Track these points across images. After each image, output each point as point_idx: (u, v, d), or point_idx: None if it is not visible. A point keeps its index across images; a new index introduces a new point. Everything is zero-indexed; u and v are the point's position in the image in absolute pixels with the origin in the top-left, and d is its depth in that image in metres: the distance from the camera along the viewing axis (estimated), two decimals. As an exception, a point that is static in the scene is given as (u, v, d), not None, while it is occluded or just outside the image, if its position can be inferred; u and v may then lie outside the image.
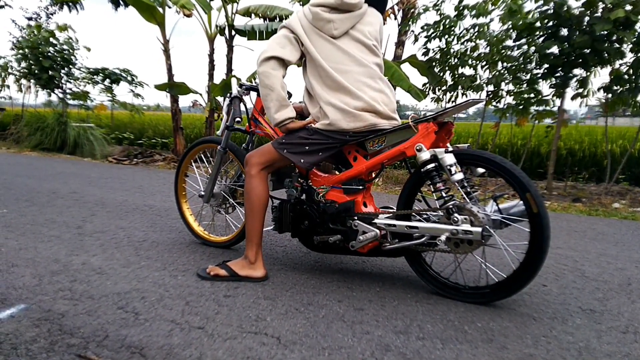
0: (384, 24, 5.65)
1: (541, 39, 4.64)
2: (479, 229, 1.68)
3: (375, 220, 1.89)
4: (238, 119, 2.21)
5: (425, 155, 1.78)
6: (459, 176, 1.75)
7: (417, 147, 1.79)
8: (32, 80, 8.34)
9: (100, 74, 8.22)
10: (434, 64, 5.47)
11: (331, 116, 1.84)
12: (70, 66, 8.12)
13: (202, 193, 2.46)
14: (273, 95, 1.87)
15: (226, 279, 1.97)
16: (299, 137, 1.92)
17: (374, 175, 2.10)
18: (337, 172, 2.11)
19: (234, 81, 2.31)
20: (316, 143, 1.90)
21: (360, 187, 2.00)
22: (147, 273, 2.06)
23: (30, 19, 11.34)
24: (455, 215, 1.73)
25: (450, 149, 1.83)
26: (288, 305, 1.75)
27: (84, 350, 1.37)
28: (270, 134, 2.24)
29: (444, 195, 1.80)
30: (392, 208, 2.06)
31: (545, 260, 1.69)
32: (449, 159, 1.76)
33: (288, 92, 2.32)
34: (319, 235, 2.03)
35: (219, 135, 2.40)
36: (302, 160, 1.91)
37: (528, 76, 4.91)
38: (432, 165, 1.80)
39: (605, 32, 4.12)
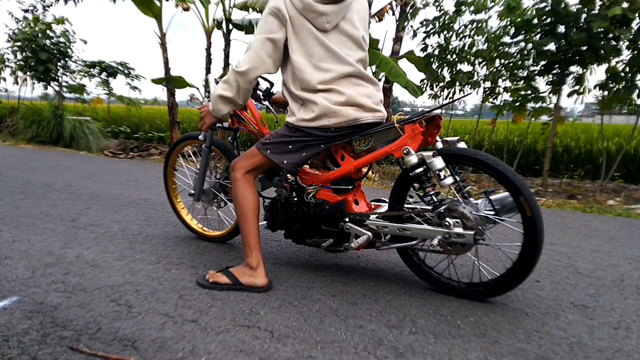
0: (382, 19, 5.63)
1: (538, 36, 4.64)
2: (471, 232, 1.66)
3: (367, 222, 1.86)
4: None
5: (412, 159, 1.73)
6: (449, 181, 1.68)
7: (404, 151, 1.74)
8: (28, 73, 8.27)
9: (97, 67, 8.18)
10: (432, 60, 5.46)
11: (311, 113, 1.76)
12: (67, 59, 8.07)
13: (192, 192, 2.42)
14: (235, 97, 1.82)
15: (227, 287, 1.83)
16: (281, 135, 1.85)
17: (364, 172, 2.03)
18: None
19: (211, 78, 2.26)
20: (299, 141, 1.83)
21: (350, 187, 1.96)
22: (141, 266, 2.06)
23: (26, 11, 11.26)
24: (447, 220, 1.69)
25: (440, 145, 1.78)
26: (282, 299, 1.75)
27: (76, 343, 1.37)
28: (254, 131, 2.22)
29: (435, 199, 1.75)
30: (384, 201, 2.05)
31: (537, 263, 1.68)
32: (438, 163, 1.68)
33: (270, 82, 2.24)
34: (312, 238, 2.01)
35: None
36: (285, 162, 1.84)
37: (525, 73, 4.91)
38: (421, 169, 1.74)
39: (602, 30, 4.12)
